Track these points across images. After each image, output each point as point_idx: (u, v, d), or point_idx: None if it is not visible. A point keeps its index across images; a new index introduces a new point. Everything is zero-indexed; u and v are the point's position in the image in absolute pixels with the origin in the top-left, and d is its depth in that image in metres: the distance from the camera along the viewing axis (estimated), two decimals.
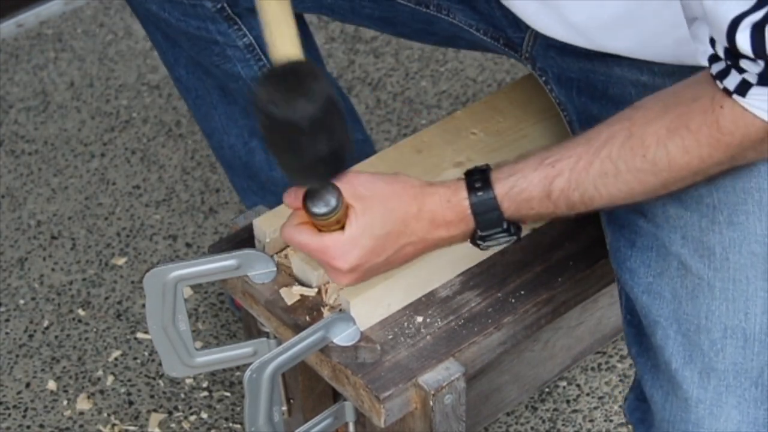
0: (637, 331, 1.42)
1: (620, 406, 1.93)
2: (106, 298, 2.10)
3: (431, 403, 1.40)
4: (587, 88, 1.48)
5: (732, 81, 1.17)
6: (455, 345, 1.44)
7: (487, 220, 1.31)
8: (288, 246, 1.50)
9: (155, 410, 1.94)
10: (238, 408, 1.94)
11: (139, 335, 2.04)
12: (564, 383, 1.96)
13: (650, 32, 1.36)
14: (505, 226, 1.32)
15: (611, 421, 1.91)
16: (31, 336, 2.05)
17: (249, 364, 1.36)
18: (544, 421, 1.92)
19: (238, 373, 1.98)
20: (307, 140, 1.15)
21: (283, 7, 1.24)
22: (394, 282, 1.48)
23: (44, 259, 2.16)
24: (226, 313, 2.08)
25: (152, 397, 1.96)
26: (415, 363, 1.42)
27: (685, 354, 1.34)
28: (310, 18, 1.92)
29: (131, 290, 2.12)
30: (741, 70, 1.16)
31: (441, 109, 2.43)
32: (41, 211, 2.26)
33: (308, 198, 1.26)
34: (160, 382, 1.98)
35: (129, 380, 1.98)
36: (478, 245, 1.34)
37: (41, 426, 1.93)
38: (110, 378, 1.98)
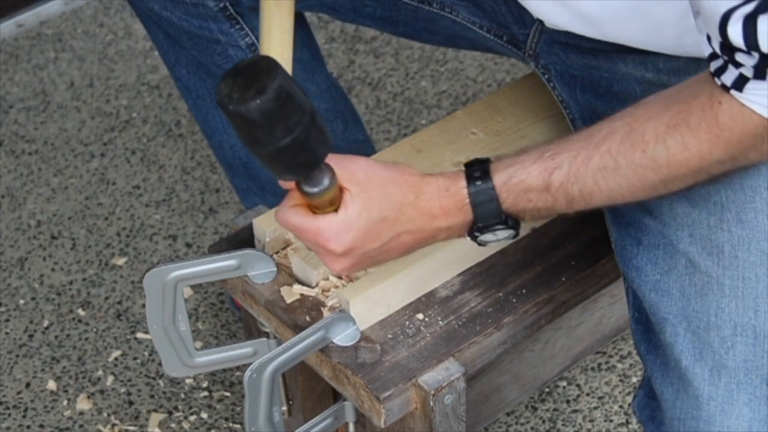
0: (645, 329, 1.42)
1: (620, 406, 1.93)
2: (106, 298, 2.10)
3: (431, 403, 1.40)
4: (591, 85, 1.48)
5: (729, 76, 1.17)
6: (455, 345, 1.44)
7: (485, 210, 1.30)
8: (288, 246, 1.50)
9: (155, 410, 1.94)
10: (238, 408, 1.94)
11: (139, 335, 2.04)
12: (564, 383, 1.96)
13: (658, 21, 1.35)
14: (503, 217, 1.30)
15: (611, 421, 1.91)
16: (31, 336, 2.05)
17: (249, 364, 1.36)
18: (544, 421, 1.92)
19: (238, 373, 1.98)
20: (262, 132, 1.16)
21: (279, 8, 1.25)
22: (394, 282, 1.48)
23: (44, 259, 2.16)
24: (226, 313, 2.08)
25: (152, 397, 1.96)
26: (415, 363, 1.42)
27: (696, 351, 1.34)
28: (310, 18, 1.92)
29: (131, 290, 2.12)
30: (737, 65, 1.16)
31: (441, 109, 2.43)
32: (41, 211, 2.26)
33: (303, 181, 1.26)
34: (160, 382, 1.98)
35: (129, 380, 1.98)
36: (475, 238, 1.33)
37: (41, 426, 1.93)
38: (110, 378, 1.98)
